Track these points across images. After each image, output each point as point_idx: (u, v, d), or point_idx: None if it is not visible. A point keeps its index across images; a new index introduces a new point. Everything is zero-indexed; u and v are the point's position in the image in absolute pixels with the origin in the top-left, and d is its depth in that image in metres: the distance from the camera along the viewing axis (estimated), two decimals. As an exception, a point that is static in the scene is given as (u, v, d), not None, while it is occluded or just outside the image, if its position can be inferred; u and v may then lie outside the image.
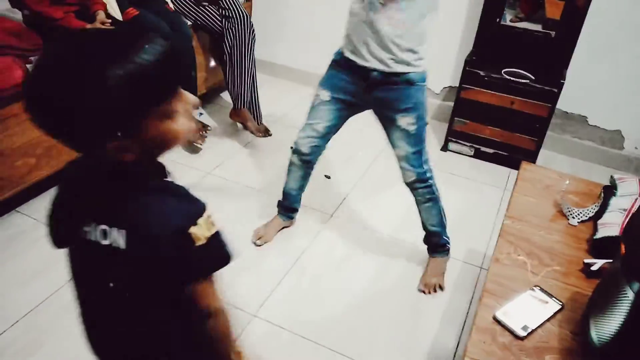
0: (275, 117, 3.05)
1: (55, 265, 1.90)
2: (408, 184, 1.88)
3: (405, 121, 1.74)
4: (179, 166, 2.54)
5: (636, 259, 0.91)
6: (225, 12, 2.68)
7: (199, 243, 0.77)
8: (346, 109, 1.84)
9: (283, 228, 2.20)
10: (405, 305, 1.91)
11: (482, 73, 2.66)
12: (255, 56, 2.77)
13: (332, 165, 2.65)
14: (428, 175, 1.85)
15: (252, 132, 2.79)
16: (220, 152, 2.71)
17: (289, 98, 3.33)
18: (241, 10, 2.70)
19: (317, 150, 1.96)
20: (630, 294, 0.90)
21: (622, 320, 0.93)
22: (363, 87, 1.74)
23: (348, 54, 1.73)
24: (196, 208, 0.79)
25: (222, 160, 2.65)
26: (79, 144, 0.74)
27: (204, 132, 2.74)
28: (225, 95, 3.24)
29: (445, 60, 3.09)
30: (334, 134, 1.93)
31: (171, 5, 2.64)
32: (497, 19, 2.64)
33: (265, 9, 3.38)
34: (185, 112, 0.80)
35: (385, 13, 1.61)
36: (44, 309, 1.75)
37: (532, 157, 2.73)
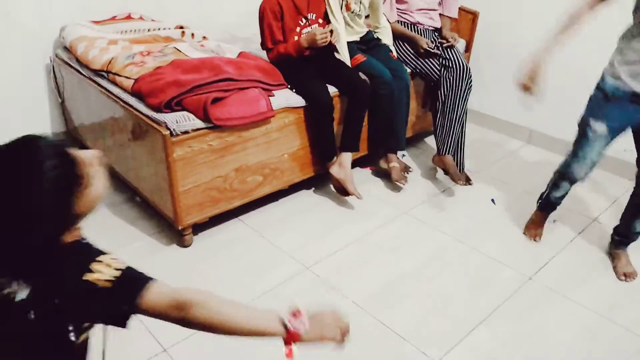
0: (478, 167, 3.01)
1: (256, 276, 2.14)
2: None
3: None
4: (376, 201, 2.67)
5: None
6: (445, 62, 2.78)
7: (115, 278, 0.83)
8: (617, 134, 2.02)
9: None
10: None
11: None
12: (467, 106, 2.80)
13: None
14: None
15: (453, 179, 2.80)
16: (418, 194, 2.77)
17: (495, 150, 3.27)
18: (461, 60, 2.76)
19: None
20: None
21: None
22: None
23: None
24: (96, 251, 0.86)
25: (418, 202, 2.71)
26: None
27: (406, 173, 2.84)
28: (429, 140, 3.31)
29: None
30: None
31: (395, 53, 2.84)
32: None
33: (483, 59, 3.40)
34: (96, 173, 0.88)
35: None
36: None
37: None
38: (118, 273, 0.84)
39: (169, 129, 2.03)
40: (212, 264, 2.18)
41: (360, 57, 2.63)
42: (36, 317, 0.80)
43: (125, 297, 0.85)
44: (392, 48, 2.84)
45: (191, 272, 2.13)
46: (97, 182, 0.88)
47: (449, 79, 2.75)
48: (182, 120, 2.06)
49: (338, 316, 0.97)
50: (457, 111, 2.76)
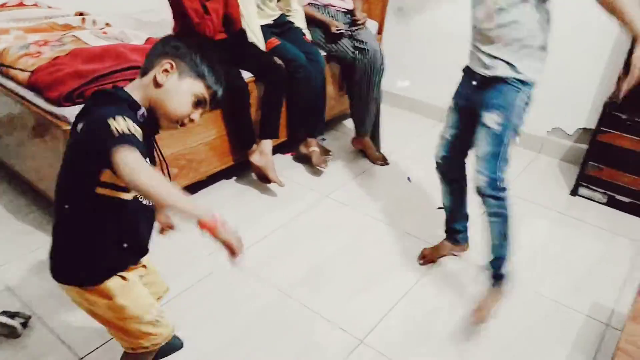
0: (393, 147, 3.08)
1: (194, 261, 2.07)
2: (478, 191, 1.75)
3: (489, 118, 1.69)
4: (299, 187, 2.67)
5: None
6: (358, 45, 2.80)
7: (114, 133, 0.99)
8: (467, 118, 1.83)
9: (451, 254, 2.20)
10: (518, 355, 1.81)
11: (624, 116, 2.48)
12: (382, 88, 2.85)
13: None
14: (501, 185, 1.72)
15: (371, 160, 2.85)
16: (339, 177, 2.80)
17: (410, 130, 3.36)
18: (373, 42, 2.80)
19: (447, 160, 1.96)
20: None
21: None
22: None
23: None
24: (123, 114, 1.03)
25: (339, 185, 2.73)
26: (158, 51, 1.18)
27: (326, 157, 2.85)
28: (348, 123, 3.35)
29: (581, 101, 2.93)
30: (467, 146, 1.89)
31: (309, 36, 2.82)
32: (645, 60, 2.45)
33: (395, 41, 3.46)
34: (192, 115, 1.19)
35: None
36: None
37: (676, 212, 2.47)
38: (122, 132, 1.00)
39: (70, 123, 1.90)
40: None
41: (275, 41, 2.59)
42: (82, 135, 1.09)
43: (102, 144, 1.00)
44: (306, 31, 2.82)
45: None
46: (186, 101, 1.19)
47: (363, 62, 2.78)
48: (85, 114, 1.93)
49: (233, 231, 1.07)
50: (371, 93, 2.80)
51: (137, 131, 1.04)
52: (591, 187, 2.71)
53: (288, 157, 2.96)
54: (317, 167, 2.76)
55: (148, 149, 1.16)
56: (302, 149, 2.84)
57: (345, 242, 2.30)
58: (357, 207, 2.55)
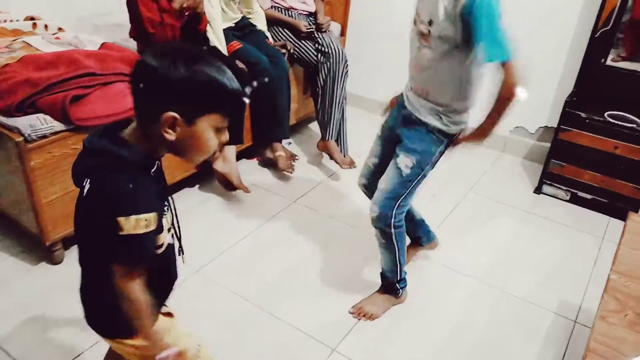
0: (361, 150, 3.06)
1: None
2: (371, 220, 1.78)
3: (403, 161, 1.69)
4: (266, 193, 2.62)
5: None
6: (321, 48, 2.77)
7: (122, 233, 0.92)
8: (390, 151, 1.80)
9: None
10: (490, 354, 1.81)
11: (583, 115, 2.53)
12: (346, 90, 2.83)
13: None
14: (392, 221, 1.74)
15: (338, 164, 2.82)
16: (306, 182, 2.76)
17: (375, 132, 3.35)
18: (336, 45, 2.77)
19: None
20: None
21: None
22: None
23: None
24: (137, 207, 0.93)
25: (307, 189, 2.70)
26: (152, 101, 0.94)
27: (292, 161, 2.81)
28: (314, 127, 3.31)
29: (543, 99, 2.98)
30: None
31: (271, 39, 2.77)
32: (603, 60, 2.51)
33: (358, 44, 3.45)
34: (221, 139, 1.02)
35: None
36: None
37: (634, 206, 2.53)
38: (132, 235, 0.93)
39: (22, 134, 1.80)
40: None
41: (236, 44, 2.53)
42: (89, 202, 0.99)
43: (108, 241, 0.95)
44: (268, 34, 2.78)
45: (67, 291, 1.92)
46: (214, 142, 1.02)
47: (326, 65, 2.75)
48: (37, 124, 1.83)
49: None
50: (336, 96, 2.78)
51: (151, 221, 0.95)
52: (554, 184, 2.76)
53: (253, 162, 2.91)
54: (284, 171, 2.72)
55: (162, 195, 1.05)
56: (268, 154, 2.79)
57: (315, 248, 2.26)
58: (326, 212, 2.52)
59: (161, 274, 1.12)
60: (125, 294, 0.97)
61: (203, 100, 0.95)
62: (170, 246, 1.12)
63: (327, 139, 2.84)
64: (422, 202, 2.10)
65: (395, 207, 1.73)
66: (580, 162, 2.64)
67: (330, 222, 2.45)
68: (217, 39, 2.46)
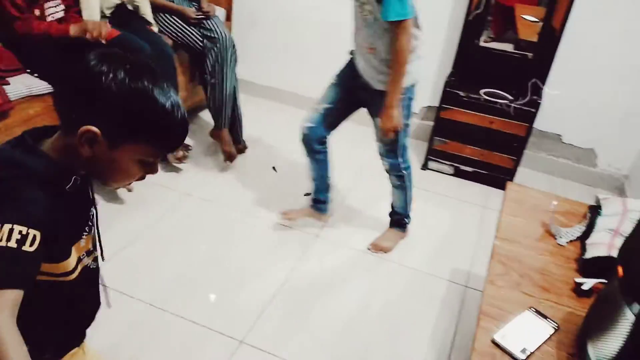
0: (256, 136, 3.03)
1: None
2: (386, 171, 2.12)
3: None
4: (158, 187, 2.49)
5: (636, 281, 0.92)
6: (207, 32, 2.67)
7: None
8: (345, 99, 2.02)
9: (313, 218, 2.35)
10: (393, 325, 1.90)
11: (461, 94, 2.71)
12: (237, 75, 2.76)
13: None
14: (402, 166, 2.07)
15: (225, 156, 2.73)
16: (201, 173, 2.68)
17: (271, 117, 3.33)
18: (223, 30, 2.69)
19: (314, 131, 2.07)
20: (630, 316, 0.91)
21: (623, 342, 0.94)
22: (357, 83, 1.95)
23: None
24: (15, 215, 0.75)
25: (202, 181, 2.61)
26: (71, 111, 0.81)
27: (185, 152, 2.70)
28: (204, 115, 3.21)
29: (425, 80, 3.12)
30: (335, 121, 2.07)
31: (155, 27, 2.61)
32: (476, 41, 2.70)
33: (245, 28, 3.38)
34: (146, 173, 0.88)
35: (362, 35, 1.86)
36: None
37: (510, 175, 2.78)
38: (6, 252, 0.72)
39: None
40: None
41: (114, 32, 2.35)
42: None
43: None
44: (152, 21, 2.62)
45: None
46: (135, 173, 0.87)
47: (213, 50, 2.66)
48: None
49: None
50: (226, 82, 2.70)
51: (28, 238, 0.74)
52: (439, 160, 2.93)
53: (142, 156, 2.75)
54: (175, 164, 2.60)
55: (79, 217, 0.92)
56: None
57: (214, 242, 2.20)
58: (223, 203, 2.46)
59: (71, 304, 0.95)
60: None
61: (135, 125, 0.80)
62: (89, 271, 0.97)
63: (219, 127, 2.76)
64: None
65: (399, 155, 2.04)
66: (461, 138, 2.83)
67: (229, 213, 2.40)
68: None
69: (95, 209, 0.97)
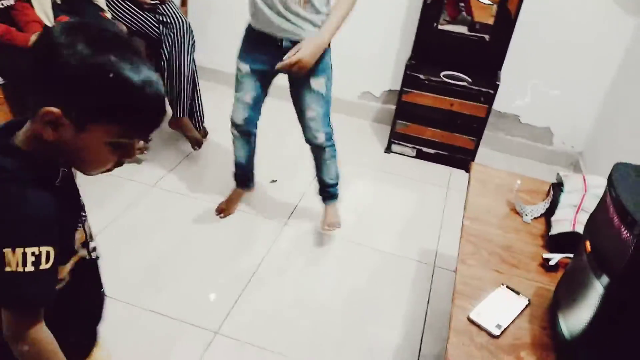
0: (217, 123, 2.97)
1: None
2: (317, 145, 2.03)
3: (317, 83, 1.89)
4: (119, 180, 2.42)
5: (603, 254, 0.96)
6: (162, 18, 2.59)
7: (7, 269, 0.72)
8: (264, 77, 1.97)
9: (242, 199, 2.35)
10: (366, 308, 1.92)
11: (422, 77, 2.74)
12: (195, 62, 2.70)
13: (281, 172, 2.63)
14: (332, 135, 2.05)
15: (190, 143, 2.69)
16: (162, 164, 2.61)
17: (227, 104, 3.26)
18: (179, 15, 2.61)
19: (250, 120, 2.08)
20: (599, 288, 0.96)
21: (593, 312, 0.98)
22: (277, 55, 1.83)
23: (260, 28, 1.85)
24: (26, 236, 0.73)
25: (164, 172, 2.55)
26: (32, 93, 0.76)
27: (145, 144, 2.63)
28: (163, 104, 3.13)
29: (385, 64, 3.15)
30: (263, 102, 2.07)
31: (108, 14, 2.51)
32: (435, 24, 2.73)
33: (201, 14, 3.30)
34: (121, 157, 0.82)
35: None
36: None
37: (471, 156, 2.84)
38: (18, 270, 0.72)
39: None
40: None
41: (64, 19, 2.25)
42: None
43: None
44: (105, 7, 2.51)
45: None
46: (108, 158, 0.81)
47: (170, 36, 2.59)
48: None
49: None
50: (184, 69, 2.63)
51: (42, 256, 0.73)
52: (401, 143, 2.97)
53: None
54: (136, 156, 2.53)
55: (73, 208, 0.88)
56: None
57: (181, 233, 2.17)
58: (188, 193, 2.42)
59: (72, 300, 0.90)
60: (23, 348, 0.75)
61: (99, 103, 0.73)
62: (87, 263, 0.93)
63: (178, 116, 2.70)
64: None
65: (328, 122, 2.01)
66: (422, 120, 2.87)
67: (194, 203, 2.36)
68: (44, 14, 2.17)
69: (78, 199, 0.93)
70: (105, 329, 1.66)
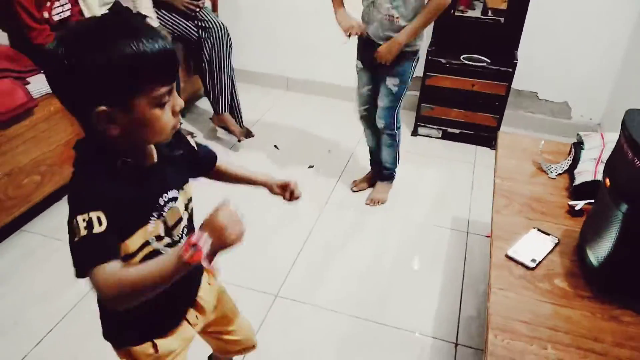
0: (254, 120, 3.18)
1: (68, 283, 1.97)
2: (377, 128, 2.40)
3: (391, 82, 2.23)
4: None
5: (620, 185, 1.13)
6: (202, 24, 2.80)
7: (75, 239, 0.81)
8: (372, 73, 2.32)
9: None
10: (406, 271, 2.10)
11: (443, 61, 2.91)
12: (232, 62, 2.91)
13: (315, 157, 2.82)
14: (395, 125, 2.37)
15: (235, 135, 2.91)
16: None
17: (263, 101, 3.48)
18: (217, 20, 2.83)
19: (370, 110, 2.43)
20: (619, 215, 1.12)
21: (615, 238, 1.15)
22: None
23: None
24: (72, 210, 0.82)
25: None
26: (73, 101, 0.84)
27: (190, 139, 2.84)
28: (202, 103, 3.35)
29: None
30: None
31: (154, 22, 2.73)
32: (452, 11, 2.89)
33: (231, 17, 3.51)
34: (173, 108, 0.88)
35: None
36: (65, 325, 1.79)
37: (494, 132, 2.98)
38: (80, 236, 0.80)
39: None
40: (14, 287, 1.91)
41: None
42: None
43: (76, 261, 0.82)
44: (153, 15, 2.72)
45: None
46: (168, 115, 0.87)
47: (209, 40, 2.80)
48: None
49: (230, 216, 0.94)
50: (224, 69, 2.84)
51: (101, 220, 0.80)
52: (427, 125, 3.13)
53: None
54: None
55: (150, 202, 0.95)
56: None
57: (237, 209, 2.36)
58: (232, 186, 2.61)
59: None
60: (110, 293, 0.80)
61: (125, 81, 0.80)
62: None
63: (220, 112, 2.91)
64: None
65: (392, 115, 2.33)
66: (446, 102, 3.03)
67: (241, 190, 2.54)
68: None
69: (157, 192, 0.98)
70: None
